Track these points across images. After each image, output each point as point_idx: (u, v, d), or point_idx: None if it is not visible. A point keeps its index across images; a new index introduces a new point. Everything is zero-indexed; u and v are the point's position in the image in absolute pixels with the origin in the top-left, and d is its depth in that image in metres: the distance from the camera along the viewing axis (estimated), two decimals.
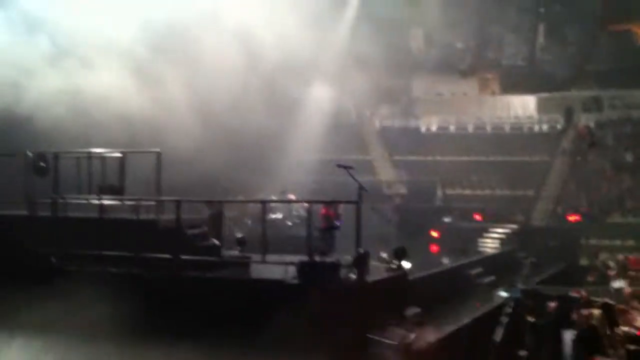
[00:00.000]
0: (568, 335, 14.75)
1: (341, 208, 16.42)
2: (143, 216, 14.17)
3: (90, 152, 14.92)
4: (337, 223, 16.71)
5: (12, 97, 16.34)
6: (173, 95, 19.17)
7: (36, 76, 16.69)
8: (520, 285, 16.09)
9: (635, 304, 15.58)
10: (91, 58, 17.56)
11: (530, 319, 15.41)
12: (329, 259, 12.65)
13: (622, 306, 16.13)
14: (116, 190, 14.71)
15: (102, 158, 14.97)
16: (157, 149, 14.73)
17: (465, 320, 15.38)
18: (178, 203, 13.46)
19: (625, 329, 14.77)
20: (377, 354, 10.77)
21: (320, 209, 17.10)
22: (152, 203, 14.48)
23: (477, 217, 29.53)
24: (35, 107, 16.15)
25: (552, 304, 15.44)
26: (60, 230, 13.70)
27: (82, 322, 11.56)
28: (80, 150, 15.05)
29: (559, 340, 14.53)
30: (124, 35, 18.17)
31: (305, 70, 26.33)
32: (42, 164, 14.83)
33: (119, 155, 14.98)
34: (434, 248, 25.74)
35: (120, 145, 15.33)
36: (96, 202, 14.14)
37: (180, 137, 17.63)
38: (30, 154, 14.74)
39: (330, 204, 16.63)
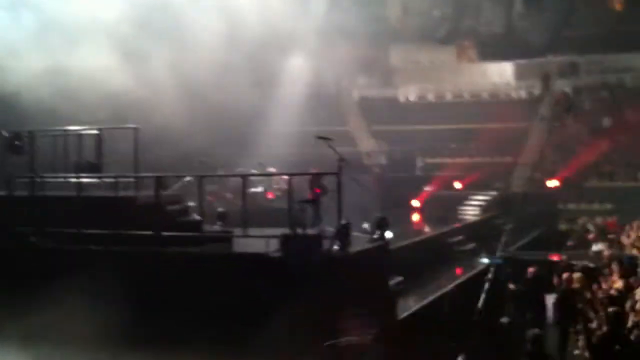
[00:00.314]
0: (550, 300, 14.94)
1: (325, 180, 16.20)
2: (122, 193, 14.02)
3: (66, 130, 14.71)
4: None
5: None
6: (157, 72, 18.97)
7: (20, 54, 16.45)
8: (500, 252, 16.19)
9: (614, 266, 15.78)
10: (75, 35, 17.31)
11: (512, 286, 15.56)
12: (311, 231, 12.62)
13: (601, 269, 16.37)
14: (94, 168, 14.53)
15: (79, 135, 14.75)
16: (135, 125, 14.55)
17: (448, 287, 15.56)
18: (157, 179, 13.34)
19: (605, 291, 14.99)
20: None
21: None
22: (132, 180, 14.34)
23: (457, 185, 29.66)
24: (20, 85, 15.96)
25: (531, 269, 15.60)
26: (39, 209, 13.54)
27: (65, 299, 11.46)
28: (56, 128, 14.83)
29: (541, 305, 14.70)
30: (108, 12, 17.92)
31: (283, 42, 26.15)
32: (17, 142, 14.58)
33: (95, 132, 14.77)
34: (416, 217, 25.89)
35: (105, 123, 15.16)
36: (74, 180, 13.95)
37: (163, 114, 17.48)
38: (5, 133, 14.50)
39: (310, 175, 16.48)
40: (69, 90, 16.67)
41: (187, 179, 16.18)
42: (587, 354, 12.94)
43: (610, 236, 22.47)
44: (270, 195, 24.30)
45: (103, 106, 17.04)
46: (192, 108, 19.44)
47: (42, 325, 11.76)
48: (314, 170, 16.80)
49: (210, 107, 20.18)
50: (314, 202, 15.67)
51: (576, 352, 14.07)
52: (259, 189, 23.97)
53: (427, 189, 28.97)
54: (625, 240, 20.88)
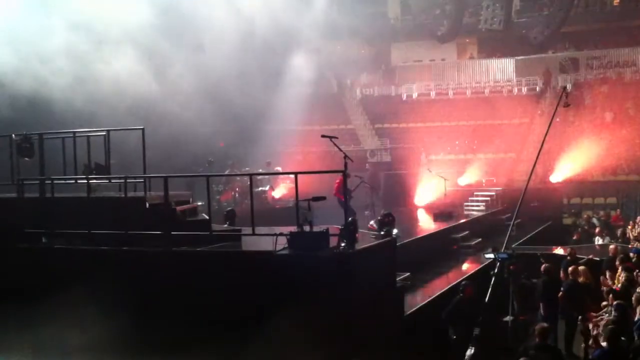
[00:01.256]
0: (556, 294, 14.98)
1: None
2: (131, 194, 14.16)
3: (74, 132, 14.86)
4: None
5: (29, 81, 16.38)
6: (179, 77, 19.21)
7: (51, 61, 16.68)
8: (505, 247, 16.28)
9: (619, 259, 15.91)
10: (101, 42, 17.58)
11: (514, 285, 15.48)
12: (318, 228, 12.70)
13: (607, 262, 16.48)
14: (102, 169, 14.67)
15: (87, 138, 14.91)
16: (141, 127, 14.71)
17: (453, 283, 15.66)
18: (165, 179, 13.46)
19: (610, 284, 15.12)
20: None
21: (337, 179, 16.93)
22: (141, 181, 14.48)
23: (462, 182, 29.76)
24: (50, 92, 16.20)
25: (545, 265, 15.59)
26: (49, 210, 13.68)
27: (78, 300, 11.61)
28: (64, 130, 15.00)
29: (554, 302, 14.72)
30: (133, 18, 18.18)
31: (287, 41, 26.30)
32: (26, 145, 14.72)
33: (103, 134, 14.92)
34: (420, 213, 25.98)
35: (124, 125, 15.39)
36: (83, 181, 14.09)
37: (177, 114, 17.68)
38: (14, 136, 14.65)
39: (317, 174, 16.62)
40: (93, 94, 16.96)
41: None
42: (593, 346, 13.04)
43: (614, 230, 22.62)
44: (273, 194, 24.44)
45: (124, 110, 17.28)
46: (204, 109, 19.64)
47: (53, 326, 11.89)
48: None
49: (220, 107, 20.37)
50: (340, 200, 15.76)
51: (582, 345, 14.17)
52: (266, 188, 24.12)
53: (430, 185, 28.96)
54: (630, 233, 21.03)
